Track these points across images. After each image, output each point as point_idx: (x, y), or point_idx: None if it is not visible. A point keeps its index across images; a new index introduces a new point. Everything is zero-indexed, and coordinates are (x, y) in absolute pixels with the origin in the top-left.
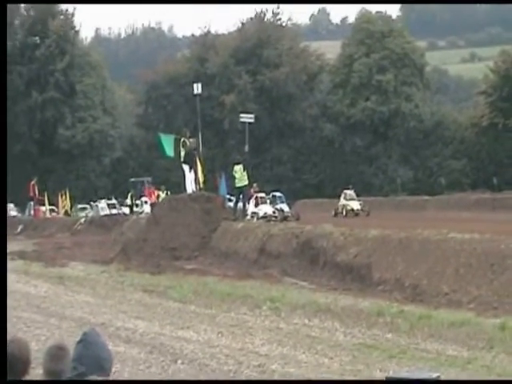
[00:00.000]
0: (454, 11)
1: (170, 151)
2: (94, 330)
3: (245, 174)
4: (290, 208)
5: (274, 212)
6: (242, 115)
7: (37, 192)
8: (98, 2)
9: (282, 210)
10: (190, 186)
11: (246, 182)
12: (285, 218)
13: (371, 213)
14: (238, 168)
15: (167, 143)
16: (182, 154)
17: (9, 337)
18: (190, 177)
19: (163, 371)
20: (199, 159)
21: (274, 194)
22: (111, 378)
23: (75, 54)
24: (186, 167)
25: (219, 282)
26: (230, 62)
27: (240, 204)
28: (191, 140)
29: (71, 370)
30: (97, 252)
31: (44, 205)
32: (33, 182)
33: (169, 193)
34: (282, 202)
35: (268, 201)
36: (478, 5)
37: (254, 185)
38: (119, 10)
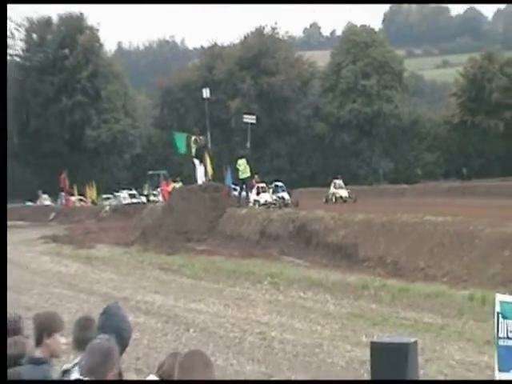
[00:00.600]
0: (429, 23)
1: (182, 148)
2: (116, 304)
3: (247, 167)
4: (290, 196)
5: (273, 200)
6: (245, 116)
7: (67, 184)
8: (106, 2)
9: (283, 198)
10: (201, 178)
11: (249, 174)
12: (286, 205)
13: (357, 200)
14: (242, 162)
15: (180, 141)
16: (193, 150)
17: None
18: (200, 170)
19: (177, 339)
20: (208, 154)
21: (277, 183)
22: (130, 346)
23: (100, 64)
24: (196, 161)
25: (226, 261)
26: (235, 69)
27: (243, 193)
28: (201, 138)
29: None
30: (120, 236)
31: (73, 195)
32: (63, 176)
33: (181, 184)
34: (284, 191)
35: (271, 190)
36: (450, 17)
37: (256, 176)
38: (138, 26)
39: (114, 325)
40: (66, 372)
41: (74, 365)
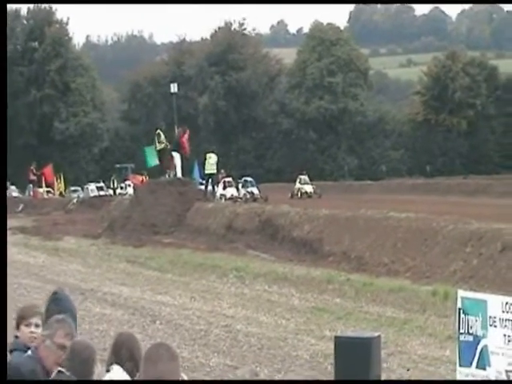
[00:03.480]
0: (394, 22)
1: (152, 161)
2: (62, 288)
3: (215, 163)
4: (259, 191)
5: (241, 194)
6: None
7: (34, 174)
8: (91, 2)
9: (253, 193)
10: (179, 169)
11: (215, 171)
12: (255, 200)
13: (322, 195)
14: (213, 155)
15: (150, 155)
16: (158, 145)
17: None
18: (179, 162)
19: (143, 330)
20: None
21: (246, 178)
22: (97, 337)
23: (69, 57)
24: (175, 154)
25: (192, 254)
26: (204, 65)
27: (210, 187)
28: (177, 130)
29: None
30: (87, 228)
31: (41, 187)
32: (32, 168)
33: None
34: (253, 186)
35: (240, 185)
36: (415, 16)
37: (222, 171)
38: (107, 20)
39: (67, 306)
40: None
41: None
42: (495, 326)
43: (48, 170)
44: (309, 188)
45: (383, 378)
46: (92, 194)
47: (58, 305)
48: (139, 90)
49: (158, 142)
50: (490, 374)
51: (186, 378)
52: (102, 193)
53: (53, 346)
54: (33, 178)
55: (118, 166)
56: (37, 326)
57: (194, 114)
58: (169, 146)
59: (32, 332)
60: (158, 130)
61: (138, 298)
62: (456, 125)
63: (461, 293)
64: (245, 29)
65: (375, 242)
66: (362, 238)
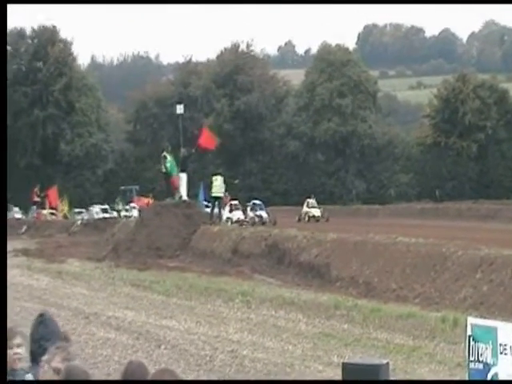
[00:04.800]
0: (403, 44)
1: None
2: (46, 311)
3: (223, 185)
4: (268, 214)
5: (249, 217)
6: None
7: (38, 196)
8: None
9: (261, 216)
10: (185, 191)
11: (222, 195)
12: (263, 223)
13: (330, 219)
14: (219, 178)
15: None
16: (163, 166)
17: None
18: (185, 184)
19: (148, 355)
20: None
21: (255, 201)
22: (101, 362)
23: (73, 76)
24: (182, 175)
25: (198, 278)
26: (211, 86)
27: (216, 210)
28: (183, 150)
29: (37, 348)
30: (91, 250)
31: (45, 208)
32: (36, 189)
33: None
34: (262, 209)
35: (248, 208)
36: (425, 38)
37: (226, 193)
38: (112, 40)
39: (55, 330)
40: None
41: None
42: (506, 354)
43: (52, 191)
44: (316, 212)
45: None
46: (96, 216)
47: (46, 327)
48: (145, 110)
49: (164, 166)
50: None
51: None
52: (106, 215)
53: (49, 371)
54: (36, 199)
55: (122, 188)
56: (18, 346)
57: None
58: (175, 169)
59: (16, 353)
60: (165, 153)
61: (143, 323)
62: (466, 148)
63: (470, 320)
64: (252, 50)
65: (383, 268)
66: (370, 263)
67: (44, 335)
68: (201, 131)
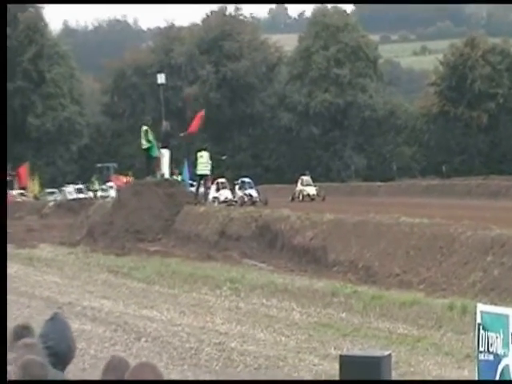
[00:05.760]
0: (406, 6)
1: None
2: (61, 314)
3: (209, 162)
4: (258, 193)
5: (238, 197)
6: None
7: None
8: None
9: (251, 195)
10: (168, 169)
11: (208, 172)
12: (253, 203)
13: (327, 198)
14: (204, 154)
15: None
16: (143, 142)
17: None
18: (166, 160)
19: (127, 349)
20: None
21: (243, 179)
22: (78, 358)
23: (44, 44)
24: (163, 150)
25: (181, 264)
26: (195, 53)
27: (201, 189)
28: (164, 123)
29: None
30: (64, 234)
31: (14, 189)
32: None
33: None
34: (251, 188)
35: (237, 186)
36: None
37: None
38: (87, 3)
39: (62, 333)
40: None
41: None
42: None
43: (23, 170)
44: (311, 190)
45: None
46: (70, 197)
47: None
48: (123, 80)
49: (145, 141)
50: None
51: None
52: (81, 195)
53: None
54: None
55: (99, 165)
56: None
57: (184, 107)
58: (155, 144)
59: None
60: (146, 127)
61: (121, 313)
62: (475, 119)
63: (480, 307)
64: (241, 13)
65: (385, 251)
66: (370, 246)
67: (47, 334)
68: (195, 117)
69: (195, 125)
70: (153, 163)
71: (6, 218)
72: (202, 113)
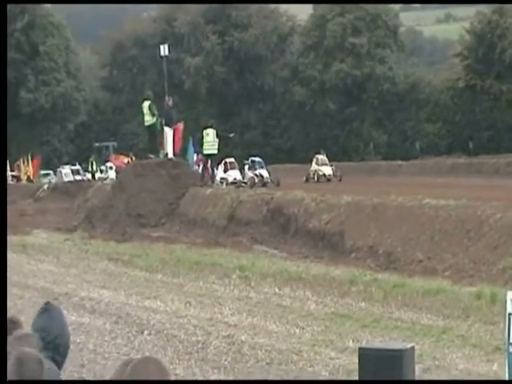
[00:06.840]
0: None
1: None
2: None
3: (216, 140)
4: (269, 174)
5: (243, 178)
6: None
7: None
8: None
9: (262, 176)
10: (171, 148)
11: (216, 152)
12: (264, 184)
13: (344, 178)
14: (211, 132)
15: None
16: (147, 118)
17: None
18: (170, 140)
19: (129, 342)
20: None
21: (254, 159)
22: (73, 351)
23: (37, 14)
24: (167, 128)
25: (187, 250)
26: (200, 22)
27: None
28: (167, 98)
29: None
30: (60, 219)
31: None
32: None
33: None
34: (262, 168)
35: (246, 166)
36: None
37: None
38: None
39: (59, 325)
40: None
41: None
42: None
43: (35, 162)
44: (327, 170)
45: None
46: (66, 179)
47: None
48: (122, 52)
49: (151, 115)
50: None
51: None
52: (78, 177)
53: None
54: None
55: (97, 144)
56: None
57: (188, 80)
58: (159, 120)
59: None
60: (148, 102)
61: (122, 304)
62: (505, 92)
63: (511, 295)
64: None
65: (408, 235)
66: (391, 230)
67: (46, 327)
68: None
69: (177, 143)
70: (157, 141)
71: (5, 217)
72: (180, 126)
